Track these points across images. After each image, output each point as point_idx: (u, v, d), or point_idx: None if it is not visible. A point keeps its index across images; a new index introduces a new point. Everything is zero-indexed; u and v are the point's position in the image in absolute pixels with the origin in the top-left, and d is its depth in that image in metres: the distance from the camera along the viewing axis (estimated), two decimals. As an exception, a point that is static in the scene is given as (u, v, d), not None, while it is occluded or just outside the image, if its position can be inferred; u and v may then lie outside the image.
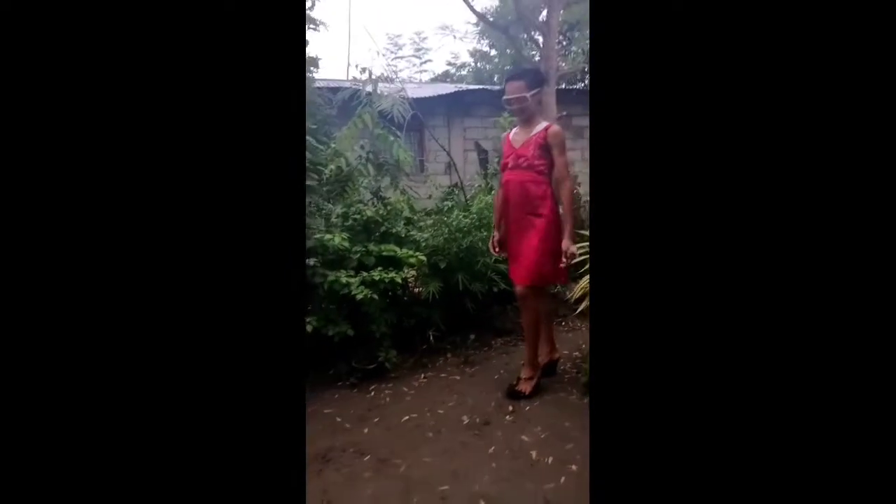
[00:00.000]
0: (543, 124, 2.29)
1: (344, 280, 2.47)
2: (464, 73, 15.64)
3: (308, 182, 2.94)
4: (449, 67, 16.21)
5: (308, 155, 2.92)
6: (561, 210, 2.23)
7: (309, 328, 2.39)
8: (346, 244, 2.62)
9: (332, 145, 3.27)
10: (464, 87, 9.21)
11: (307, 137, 2.86)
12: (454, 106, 8.25)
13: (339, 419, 2.19)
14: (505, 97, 2.26)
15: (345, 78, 6.11)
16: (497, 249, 2.45)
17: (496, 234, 2.44)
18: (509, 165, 2.30)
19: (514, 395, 2.30)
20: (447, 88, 8.95)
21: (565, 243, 2.18)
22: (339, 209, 2.98)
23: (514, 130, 2.37)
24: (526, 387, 2.32)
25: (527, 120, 2.30)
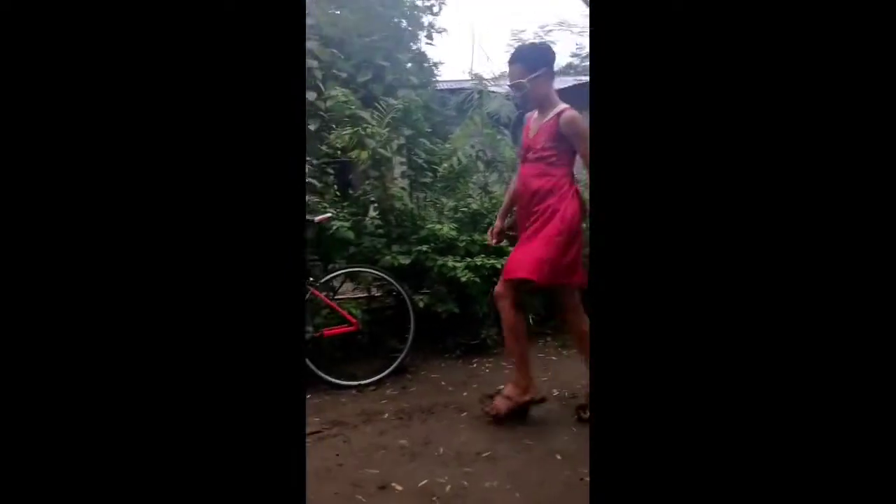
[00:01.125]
0: (558, 109, 1.96)
1: (451, 265, 2.81)
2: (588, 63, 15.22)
3: (423, 179, 3.33)
4: (573, 59, 15.90)
5: (424, 155, 3.32)
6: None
7: (421, 304, 2.77)
8: (454, 233, 2.96)
9: (447, 144, 3.64)
10: (583, 79, 9.11)
11: (421, 139, 3.25)
12: (574, 98, 8.11)
13: (443, 383, 2.54)
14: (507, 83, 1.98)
15: (467, 78, 6.49)
16: (494, 240, 2.25)
17: (498, 224, 2.23)
18: (523, 158, 2.05)
19: (489, 414, 2.05)
20: (567, 81, 8.92)
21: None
22: (450, 203, 3.33)
23: (533, 117, 2.07)
24: (500, 405, 2.02)
25: (539, 106, 2.02)
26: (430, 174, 3.39)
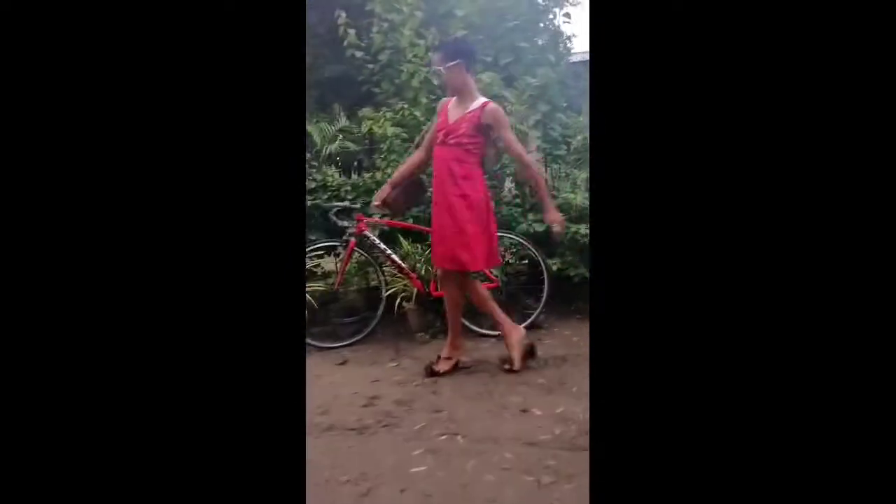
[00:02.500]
0: (480, 101, 2.20)
1: (583, 231, 3.02)
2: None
3: (558, 152, 3.53)
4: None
5: (559, 129, 3.51)
6: (533, 190, 2.17)
7: (554, 268, 3.03)
8: (587, 202, 3.14)
9: (581, 118, 3.78)
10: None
11: (558, 114, 3.44)
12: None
13: (575, 339, 2.80)
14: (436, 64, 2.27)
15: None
16: (377, 203, 2.43)
17: (386, 190, 2.40)
18: (439, 140, 2.24)
19: (432, 373, 2.31)
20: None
21: (552, 215, 2.27)
22: (583, 174, 3.50)
23: (451, 102, 2.28)
24: (443, 366, 2.33)
25: (458, 94, 2.24)
26: (564, 147, 3.58)
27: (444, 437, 1.79)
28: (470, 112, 2.19)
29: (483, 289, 2.50)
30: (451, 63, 2.19)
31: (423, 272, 2.89)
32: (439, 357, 2.38)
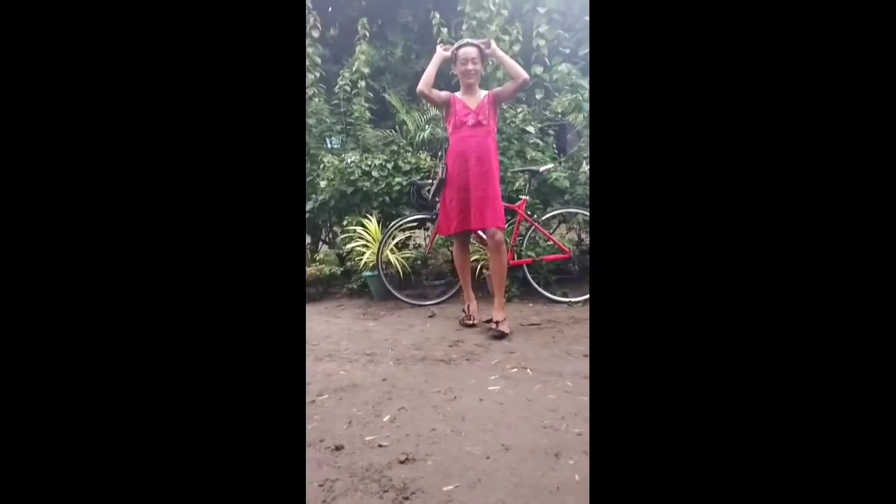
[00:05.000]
0: (484, 91, 2.76)
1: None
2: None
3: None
4: None
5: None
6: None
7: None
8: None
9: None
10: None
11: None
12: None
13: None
14: (468, 58, 2.67)
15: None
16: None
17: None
18: (469, 123, 2.71)
19: (501, 335, 2.60)
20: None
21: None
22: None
23: (459, 95, 2.78)
24: (506, 326, 2.64)
25: (473, 86, 2.74)
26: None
27: (515, 370, 2.17)
28: (486, 97, 2.75)
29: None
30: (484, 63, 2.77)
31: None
32: (497, 322, 2.67)
